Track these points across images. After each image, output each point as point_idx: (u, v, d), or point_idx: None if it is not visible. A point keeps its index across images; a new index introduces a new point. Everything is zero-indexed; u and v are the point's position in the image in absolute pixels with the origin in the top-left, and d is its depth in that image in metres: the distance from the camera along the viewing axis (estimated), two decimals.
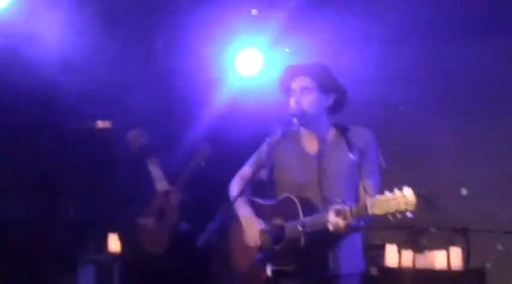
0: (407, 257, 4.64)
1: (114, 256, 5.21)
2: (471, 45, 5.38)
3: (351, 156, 3.08)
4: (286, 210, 3.09)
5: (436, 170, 5.45)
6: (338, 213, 2.84)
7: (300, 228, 2.98)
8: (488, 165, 5.27)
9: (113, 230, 5.32)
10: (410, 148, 5.53)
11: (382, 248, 4.92)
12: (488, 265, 5.04)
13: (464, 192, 5.44)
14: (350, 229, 2.87)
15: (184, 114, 6.00)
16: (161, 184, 5.23)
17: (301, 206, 3.03)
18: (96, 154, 5.75)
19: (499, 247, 5.16)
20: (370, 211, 2.74)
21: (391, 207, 2.66)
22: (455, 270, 4.46)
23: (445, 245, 4.58)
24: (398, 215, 2.66)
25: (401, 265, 4.64)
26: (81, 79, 5.43)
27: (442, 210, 4.63)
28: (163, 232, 5.15)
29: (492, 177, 5.25)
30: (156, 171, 5.27)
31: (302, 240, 2.98)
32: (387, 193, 2.69)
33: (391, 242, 4.87)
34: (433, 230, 5.35)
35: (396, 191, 2.67)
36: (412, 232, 5.27)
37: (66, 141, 5.38)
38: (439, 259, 4.52)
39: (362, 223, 2.97)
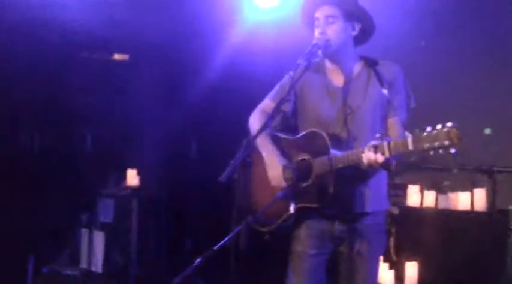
0: (430, 198, 4.55)
1: (132, 191, 5.23)
2: None
3: (383, 90, 2.96)
4: (313, 145, 2.98)
5: (460, 110, 5.29)
6: (376, 149, 2.71)
7: (329, 163, 2.88)
8: None
9: (133, 166, 5.35)
10: (434, 87, 5.35)
11: (403, 187, 4.83)
12: (510, 207, 4.94)
13: (487, 131, 5.31)
14: (386, 165, 2.73)
15: (198, 47, 5.84)
16: None
17: (330, 141, 2.92)
18: (112, 87, 5.69)
19: None
20: (411, 147, 2.60)
21: (434, 143, 2.52)
22: (478, 211, 4.36)
23: (469, 187, 4.47)
24: (441, 151, 2.53)
25: (424, 205, 4.55)
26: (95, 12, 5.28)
27: (466, 150, 4.49)
28: None
29: None
30: None
31: (331, 176, 2.87)
32: (429, 129, 2.55)
33: (413, 182, 4.76)
34: (455, 171, 5.24)
35: (438, 126, 2.53)
36: (435, 173, 5.17)
37: (82, 71, 5.30)
38: (463, 200, 4.42)
39: (394, 161, 2.84)
